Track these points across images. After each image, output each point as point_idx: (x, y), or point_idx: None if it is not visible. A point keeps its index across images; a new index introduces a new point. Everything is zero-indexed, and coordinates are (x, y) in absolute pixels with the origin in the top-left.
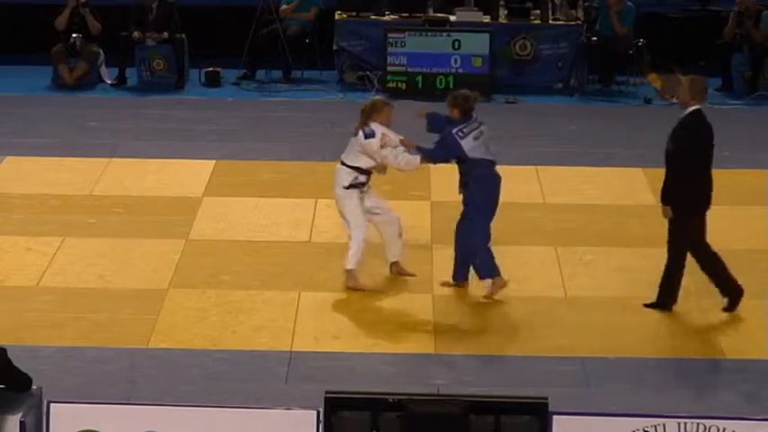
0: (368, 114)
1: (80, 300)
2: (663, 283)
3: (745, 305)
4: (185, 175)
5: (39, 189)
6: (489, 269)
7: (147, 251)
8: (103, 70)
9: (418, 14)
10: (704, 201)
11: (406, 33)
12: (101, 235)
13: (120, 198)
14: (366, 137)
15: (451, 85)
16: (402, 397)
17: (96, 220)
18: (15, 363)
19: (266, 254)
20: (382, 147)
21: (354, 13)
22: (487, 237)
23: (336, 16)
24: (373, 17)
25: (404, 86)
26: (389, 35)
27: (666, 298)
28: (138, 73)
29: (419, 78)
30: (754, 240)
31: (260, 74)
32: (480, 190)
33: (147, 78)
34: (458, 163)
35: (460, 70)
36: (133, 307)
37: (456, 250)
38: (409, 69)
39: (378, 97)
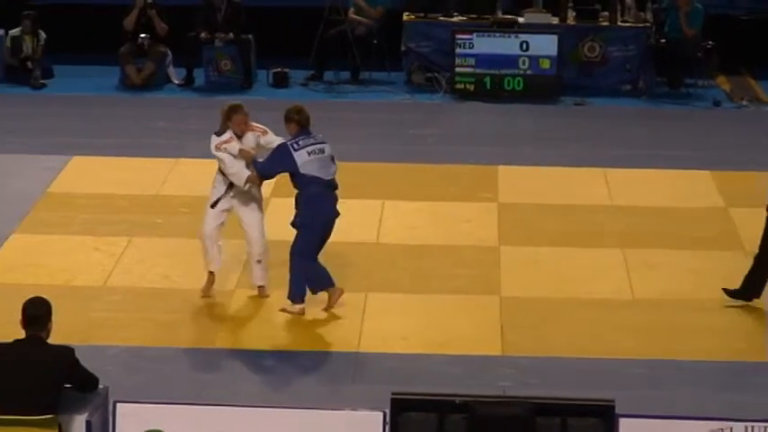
0: (224, 118)
1: (146, 300)
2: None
3: None
4: None
5: (106, 189)
6: (298, 290)
7: None
8: (171, 70)
9: (486, 16)
10: None
11: (475, 35)
12: (167, 235)
13: (187, 198)
14: (214, 134)
15: (520, 87)
16: (468, 398)
17: (163, 220)
18: (82, 362)
19: (333, 254)
20: (218, 148)
21: (422, 14)
22: (308, 257)
23: (404, 17)
24: (441, 18)
25: (472, 88)
26: (457, 36)
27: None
28: (205, 73)
29: (487, 80)
30: None
31: (328, 75)
32: (308, 210)
33: (214, 79)
34: (291, 179)
35: (528, 72)
36: (199, 307)
37: None
38: (477, 71)
39: (232, 103)
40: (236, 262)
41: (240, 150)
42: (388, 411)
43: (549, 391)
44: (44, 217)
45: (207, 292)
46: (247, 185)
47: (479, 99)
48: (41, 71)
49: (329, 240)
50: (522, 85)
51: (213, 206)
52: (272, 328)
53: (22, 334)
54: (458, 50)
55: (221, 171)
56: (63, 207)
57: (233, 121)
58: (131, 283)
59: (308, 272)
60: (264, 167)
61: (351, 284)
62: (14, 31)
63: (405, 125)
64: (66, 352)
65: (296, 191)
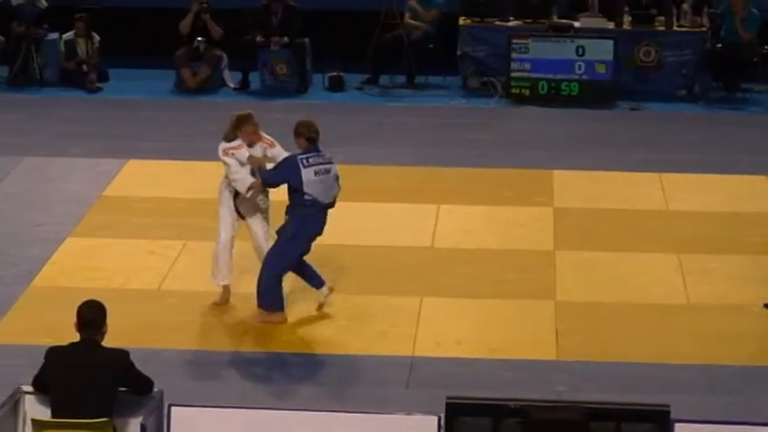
0: (233, 127)
1: (201, 303)
2: None
3: None
4: None
5: (161, 192)
6: (273, 302)
7: None
8: (226, 74)
9: (542, 20)
10: None
11: (530, 39)
12: None
13: None
14: (223, 139)
15: (575, 92)
16: (523, 403)
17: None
18: (137, 366)
19: (388, 259)
20: (225, 153)
21: (478, 19)
22: (284, 269)
23: (461, 21)
24: (497, 23)
25: (527, 92)
26: (513, 41)
27: None
28: (260, 77)
29: (543, 84)
30: None
31: (383, 79)
32: (299, 227)
33: (269, 82)
34: (289, 191)
35: (584, 77)
36: (254, 310)
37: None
38: (533, 75)
39: (242, 113)
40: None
41: (249, 157)
42: (442, 416)
43: (603, 395)
44: (99, 220)
45: (224, 302)
46: (249, 193)
47: (535, 103)
48: (97, 74)
49: (384, 246)
50: (577, 89)
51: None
52: (326, 332)
53: (76, 337)
54: (513, 55)
55: (227, 177)
56: (118, 210)
57: (243, 131)
58: (186, 287)
59: (277, 283)
60: (270, 176)
61: (405, 289)
62: (68, 35)
63: (460, 129)
64: (121, 355)
65: (289, 201)
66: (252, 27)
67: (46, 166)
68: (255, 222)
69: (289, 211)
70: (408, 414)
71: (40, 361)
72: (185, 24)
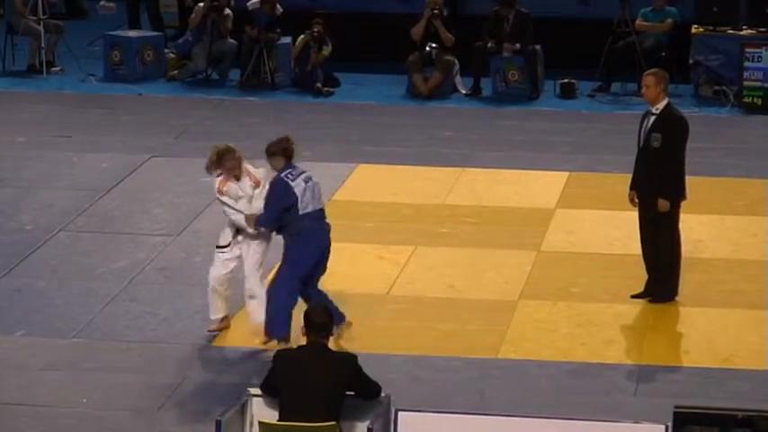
0: (215, 162)
1: (430, 309)
2: (668, 274)
3: None
4: (538, 187)
5: (391, 197)
6: (281, 328)
7: (499, 262)
8: (458, 80)
9: None
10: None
11: (764, 48)
12: (452, 245)
13: (473, 208)
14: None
15: None
16: (751, 413)
17: (448, 229)
18: (365, 370)
19: (617, 267)
20: (221, 193)
21: (711, 28)
22: (295, 296)
23: (693, 30)
24: (730, 31)
25: (759, 102)
26: (746, 50)
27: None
28: (492, 83)
29: None
30: None
31: (615, 86)
32: (302, 245)
33: (501, 89)
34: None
35: None
36: (483, 317)
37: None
38: (766, 84)
39: (223, 146)
40: (520, 273)
41: (246, 218)
42: (670, 424)
43: None
44: None
45: (214, 328)
46: (253, 227)
47: (767, 113)
48: (328, 79)
49: (614, 254)
50: None
51: (219, 248)
52: (555, 339)
53: (302, 340)
54: (746, 64)
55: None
56: (348, 215)
57: (225, 166)
58: (415, 293)
59: (287, 309)
60: (267, 215)
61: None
62: (301, 39)
63: (691, 138)
64: (350, 359)
65: (282, 224)
66: (483, 33)
67: None
68: (250, 252)
69: (286, 234)
70: (635, 422)
71: (268, 364)
72: (417, 31)
